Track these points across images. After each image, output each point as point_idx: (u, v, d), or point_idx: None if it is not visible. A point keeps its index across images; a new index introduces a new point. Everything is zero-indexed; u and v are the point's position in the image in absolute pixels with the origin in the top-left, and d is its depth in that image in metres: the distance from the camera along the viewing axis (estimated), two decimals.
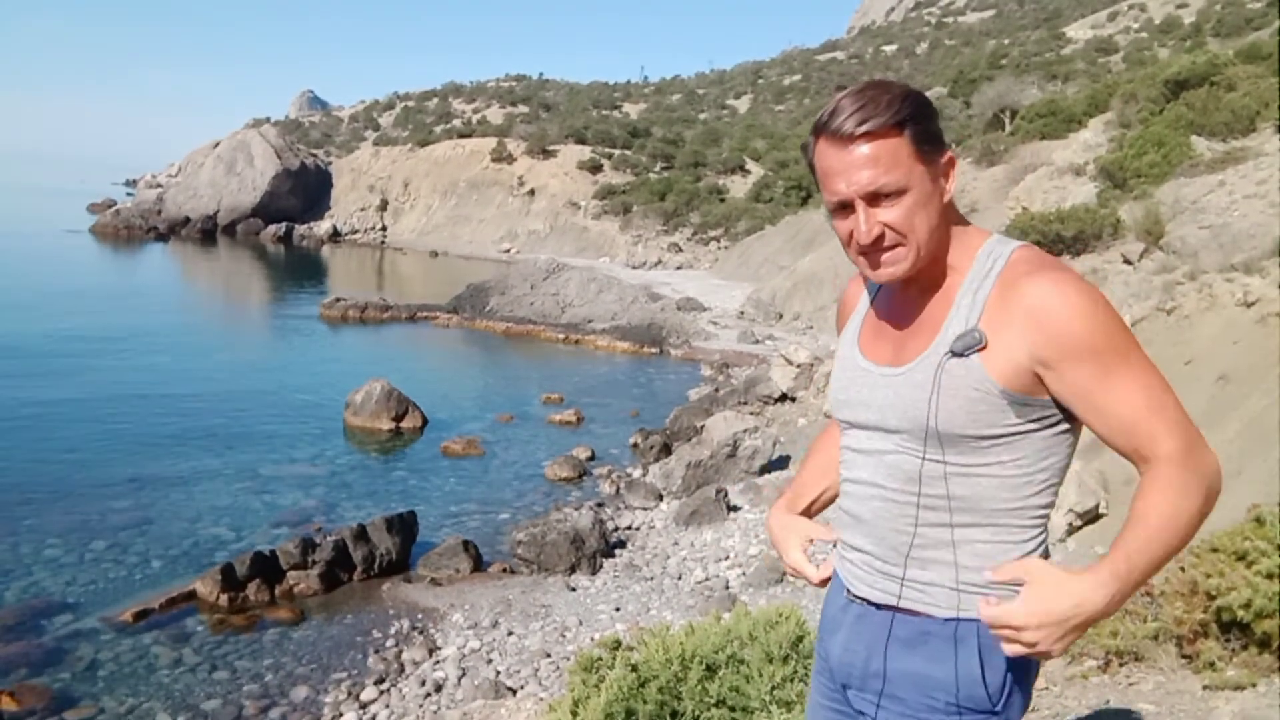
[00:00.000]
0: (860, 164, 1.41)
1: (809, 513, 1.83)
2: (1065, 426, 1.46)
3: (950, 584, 1.48)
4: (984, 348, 1.40)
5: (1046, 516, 1.51)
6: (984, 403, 1.41)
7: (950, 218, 1.50)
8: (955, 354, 1.42)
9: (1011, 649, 1.34)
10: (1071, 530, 6.95)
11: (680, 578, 9.01)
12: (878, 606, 1.56)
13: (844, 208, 1.45)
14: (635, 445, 13.89)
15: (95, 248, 41.50)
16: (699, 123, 69.11)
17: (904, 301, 1.56)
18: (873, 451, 1.56)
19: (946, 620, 1.48)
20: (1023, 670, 1.49)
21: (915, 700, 1.49)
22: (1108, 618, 1.32)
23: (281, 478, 11.91)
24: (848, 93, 1.44)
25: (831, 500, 1.80)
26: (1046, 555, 1.53)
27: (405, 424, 14.28)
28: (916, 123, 1.42)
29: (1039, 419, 1.44)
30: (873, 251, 1.46)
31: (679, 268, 38.22)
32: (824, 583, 1.72)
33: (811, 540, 1.75)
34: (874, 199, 1.42)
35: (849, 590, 1.62)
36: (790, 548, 1.76)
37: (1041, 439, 1.45)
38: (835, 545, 1.68)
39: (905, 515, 1.51)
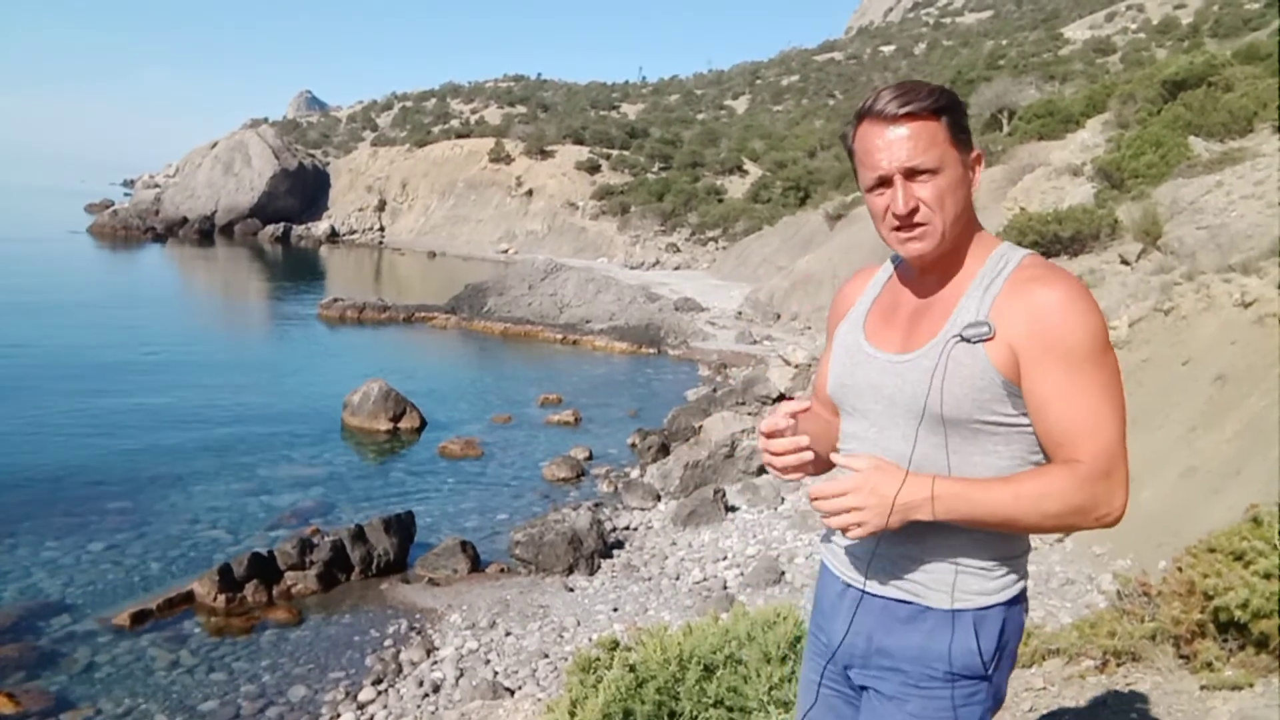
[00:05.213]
0: (901, 141, 1.53)
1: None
2: None
3: (945, 573, 1.58)
4: (992, 338, 1.51)
5: None
6: (988, 390, 1.51)
7: (972, 219, 1.62)
8: (963, 339, 1.52)
9: (837, 520, 1.49)
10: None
11: (678, 578, 9.00)
12: (875, 595, 1.65)
13: (882, 184, 1.56)
14: (633, 445, 13.88)
15: (93, 248, 41.42)
16: (697, 123, 69.13)
17: (916, 292, 1.66)
18: (875, 437, 1.64)
19: (945, 611, 1.59)
20: (1013, 635, 1.61)
21: (916, 671, 1.60)
22: (924, 517, 1.48)
23: (279, 478, 11.90)
24: (888, 85, 1.59)
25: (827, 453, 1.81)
26: (1029, 547, 1.66)
27: (403, 424, 14.26)
28: (952, 113, 1.56)
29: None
30: (906, 225, 1.56)
31: (677, 268, 38.22)
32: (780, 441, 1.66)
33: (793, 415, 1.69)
34: (911, 175, 1.54)
35: (843, 577, 1.72)
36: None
37: (1033, 436, 1.55)
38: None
39: None
